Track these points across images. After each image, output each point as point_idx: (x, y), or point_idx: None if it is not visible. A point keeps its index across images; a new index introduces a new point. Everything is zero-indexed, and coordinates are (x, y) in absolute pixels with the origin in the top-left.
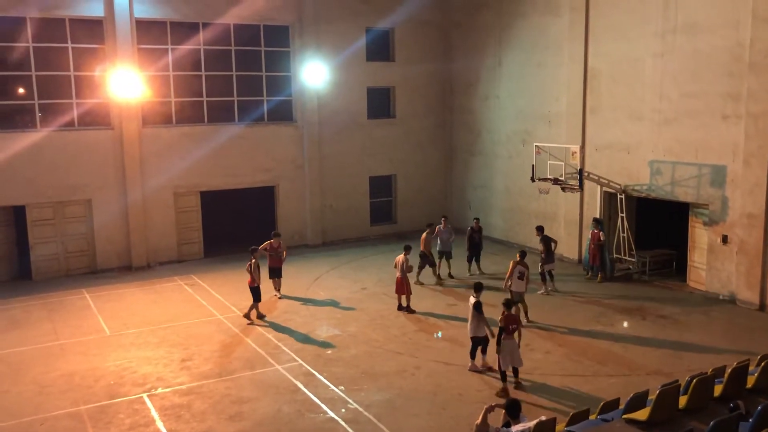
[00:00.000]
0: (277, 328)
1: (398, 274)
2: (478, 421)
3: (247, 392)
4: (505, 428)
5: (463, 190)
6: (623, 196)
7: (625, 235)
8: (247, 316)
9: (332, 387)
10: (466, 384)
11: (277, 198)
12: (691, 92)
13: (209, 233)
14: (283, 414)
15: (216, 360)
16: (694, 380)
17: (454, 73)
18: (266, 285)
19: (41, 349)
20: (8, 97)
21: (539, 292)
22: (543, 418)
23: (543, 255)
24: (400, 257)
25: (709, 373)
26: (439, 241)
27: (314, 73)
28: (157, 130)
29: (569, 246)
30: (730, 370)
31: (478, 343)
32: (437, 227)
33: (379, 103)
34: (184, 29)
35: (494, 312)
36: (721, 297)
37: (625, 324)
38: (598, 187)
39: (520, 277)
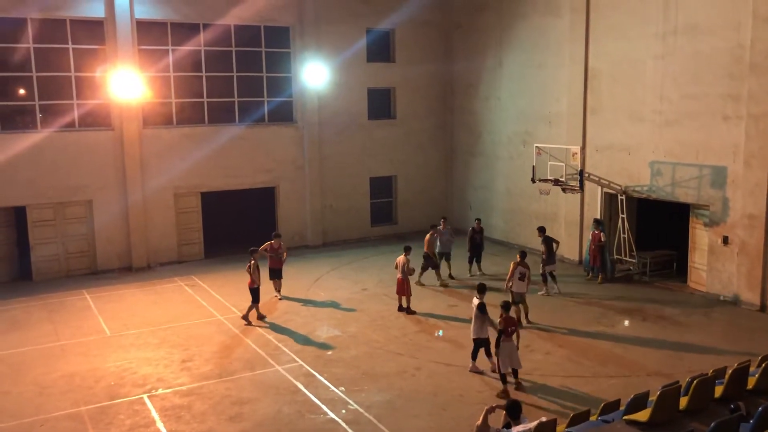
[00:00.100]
0: (277, 329)
1: (399, 275)
2: (479, 422)
3: (247, 393)
4: (505, 429)
5: (463, 191)
6: (624, 197)
7: (626, 236)
8: (245, 317)
9: (333, 388)
10: (467, 385)
11: (278, 199)
12: (692, 93)
13: (210, 234)
14: (283, 415)
15: (216, 361)
16: (695, 381)
17: (455, 73)
18: (267, 286)
19: (42, 350)
20: (9, 97)
21: (539, 293)
22: (543, 419)
23: (544, 256)
24: (401, 258)
25: (709, 374)
26: (438, 242)
27: (315, 74)
28: (158, 131)
29: (570, 247)
30: (730, 371)
31: (481, 344)
32: (438, 228)
33: (380, 104)
34: (184, 30)
35: (494, 313)
36: (721, 298)
37: (626, 323)
38: (599, 188)
39: (521, 278)
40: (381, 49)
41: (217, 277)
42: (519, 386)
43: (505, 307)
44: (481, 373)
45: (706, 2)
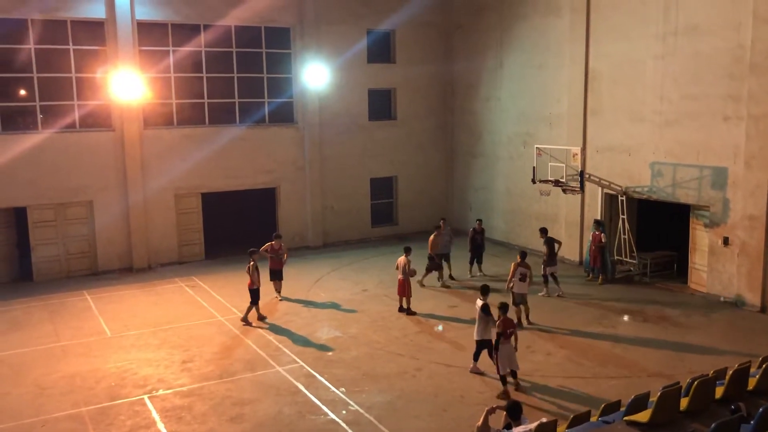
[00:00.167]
0: (277, 329)
1: (399, 275)
2: (480, 422)
3: (248, 394)
4: (506, 430)
5: (464, 192)
6: (624, 198)
7: (626, 236)
8: (244, 318)
9: (333, 389)
10: (468, 386)
11: (278, 199)
12: (692, 94)
13: (210, 235)
14: (284, 415)
15: (217, 362)
16: (696, 382)
17: (455, 74)
18: (267, 287)
19: (42, 351)
20: (10, 98)
21: (540, 294)
22: (544, 419)
23: (546, 257)
24: (402, 259)
25: (710, 375)
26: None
27: (315, 75)
28: (159, 132)
29: (570, 248)
30: (731, 372)
31: (484, 346)
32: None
33: (380, 105)
34: (185, 31)
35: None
36: (722, 299)
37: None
38: (599, 188)
39: (522, 279)
40: (381, 50)
41: (218, 278)
42: (519, 387)
43: (504, 308)
44: (482, 374)
45: (706, 3)
